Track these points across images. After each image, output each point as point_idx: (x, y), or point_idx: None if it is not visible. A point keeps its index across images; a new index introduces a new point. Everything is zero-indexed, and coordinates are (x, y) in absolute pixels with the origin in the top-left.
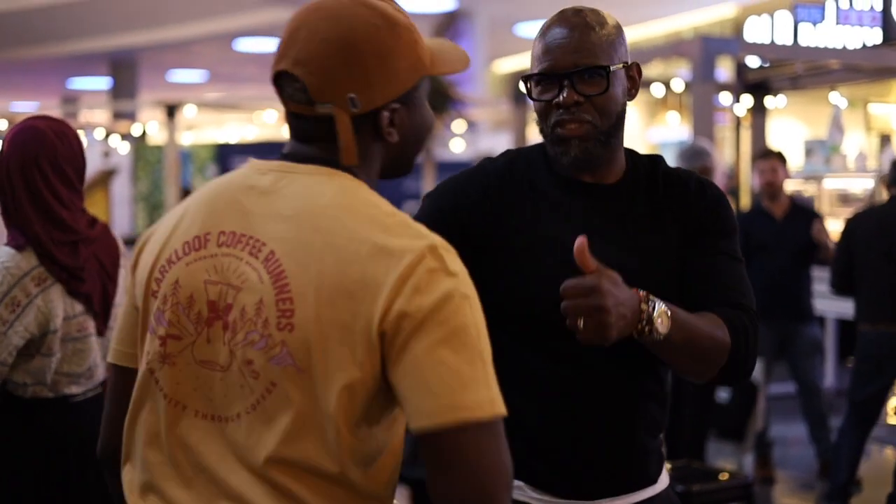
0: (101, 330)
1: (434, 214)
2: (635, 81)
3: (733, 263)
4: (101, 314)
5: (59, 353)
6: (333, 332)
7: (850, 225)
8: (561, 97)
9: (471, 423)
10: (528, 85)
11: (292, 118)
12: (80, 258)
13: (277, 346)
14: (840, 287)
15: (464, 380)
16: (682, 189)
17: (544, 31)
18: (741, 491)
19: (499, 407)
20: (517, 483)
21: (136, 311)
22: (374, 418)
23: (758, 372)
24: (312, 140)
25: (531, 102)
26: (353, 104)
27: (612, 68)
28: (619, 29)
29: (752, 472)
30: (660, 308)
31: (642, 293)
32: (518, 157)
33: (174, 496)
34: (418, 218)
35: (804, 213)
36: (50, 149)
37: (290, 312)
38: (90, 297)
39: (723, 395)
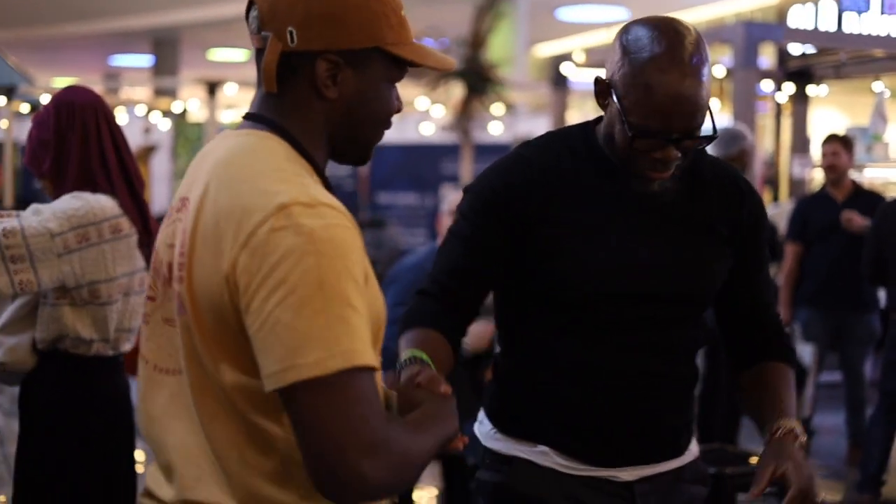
0: None
1: (478, 208)
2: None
3: (768, 273)
4: None
5: (121, 305)
6: (205, 284)
7: (881, 213)
8: (666, 154)
9: (304, 384)
10: (626, 131)
11: (256, 55)
12: (149, 215)
13: (175, 299)
14: (871, 277)
15: (299, 339)
16: (733, 188)
17: (654, 74)
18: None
19: (338, 362)
20: (542, 448)
21: None
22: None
23: (809, 358)
24: (259, 81)
25: (572, 86)
26: (291, 38)
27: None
28: (709, 55)
29: None
30: (797, 429)
31: (796, 432)
32: (561, 146)
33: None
34: (463, 212)
35: (868, 198)
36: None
37: (182, 265)
38: (150, 252)
39: None
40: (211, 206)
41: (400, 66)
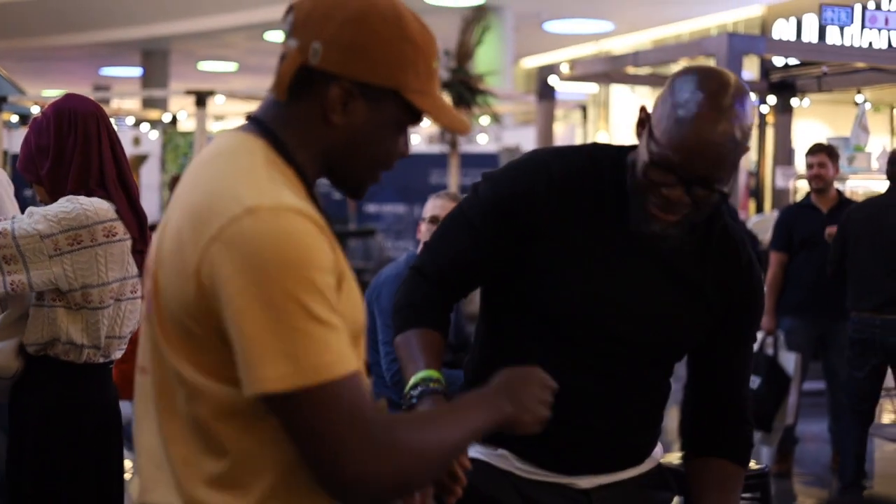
0: None
1: (493, 205)
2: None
3: (749, 354)
4: None
5: (112, 311)
6: (170, 281)
7: (847, 215)
8: (672, 192)
9: (277, 395)
10: (645, 163)
11: (279, 59)
12: (145, 223)
13: (147, 296)
14: (833, 274)
15: (261, 352)
16: (735, 257)
17: (687, 115)
18: (757, 481)
19: (303, 378)
20: (502, 452)
21: None
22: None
23: (793, 366)
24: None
25: (559, 98)
26: (314, 54)
27: (728, 187)
28: (752, 120)
29: (769, 463)
30: None
31: None
32: (589, 165)
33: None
34: (479, 200)
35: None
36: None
37: (151, 263)
38: (143, 259)
39: (753, 383)
40: (183, 202)
41: (415, 114)
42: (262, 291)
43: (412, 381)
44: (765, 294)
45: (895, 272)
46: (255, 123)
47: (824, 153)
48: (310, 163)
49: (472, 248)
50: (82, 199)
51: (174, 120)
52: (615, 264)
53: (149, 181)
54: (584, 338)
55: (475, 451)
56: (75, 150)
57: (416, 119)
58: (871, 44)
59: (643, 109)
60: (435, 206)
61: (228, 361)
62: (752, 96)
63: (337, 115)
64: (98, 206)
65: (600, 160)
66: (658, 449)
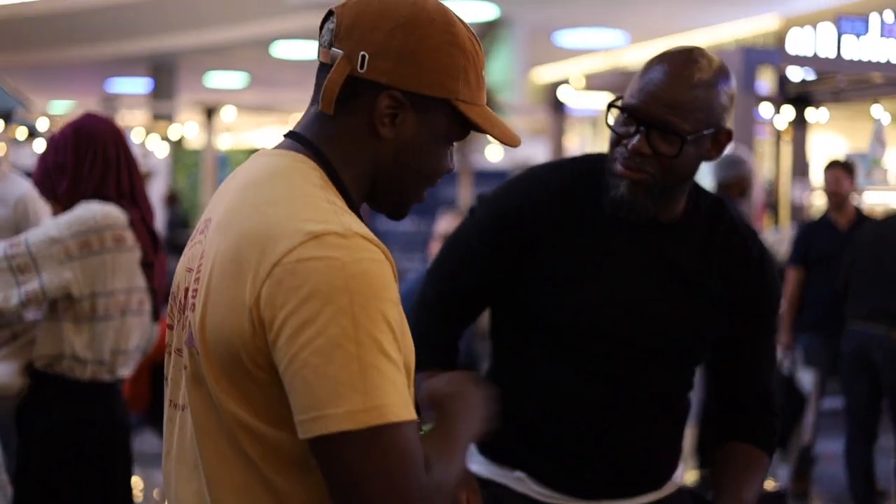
0: (158, 313)
1: (491, 223)
2: (721, 146)
3: (771, 346)
4: (160, 297)
5: (117, 324)
6: (222, 314)
7: (858, 232)
8: (633, 142)
9: (335, 436)
10: (610, 111)
11: (319, 70)
12: (158, 241)
13: (187, 328)
14: (841, 289)
15: (329, 387)
16: (743, 252)
17: (649, 66)
18: (773, 501)
19: (372, 416)
20: (518, 475)
21: None
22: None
23: (810, 384)
24: (315, 99)
25: (569, 112)
26: (362, 63)
27: (690, 136)
28: (722, 85)
29: (786, 483)
30: None
31: None
32: (580, 174)
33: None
34: (475, 222)
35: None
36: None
37: (195, 292)
38: (152, 274)
39: None
40: (234, 229)
41: (464, 126)
42: (332, 324)
43: (425, 429)
44: (782, 312)
45: (888, 287)
46: (300, 141)
47: (840, 169)
48: (354, 183)
49: (473, 272)
50: (94, 205)
51: (182, 135)
52: (617, 267)
53: (157, 196)
54: (594, 344)
55: (492, 474)
56: (93, 169)
57: (465, 131)
58: (888, 59)
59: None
60: (446, 223)
61: (281, 403)
62: (769, 109)
63: (386, 128)
64: (109, 212)
65: (593, 168)
66: (679, 471)
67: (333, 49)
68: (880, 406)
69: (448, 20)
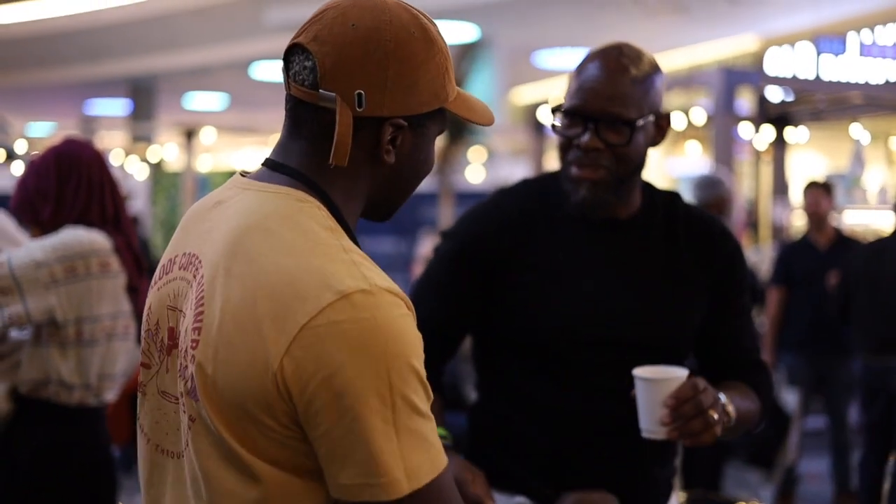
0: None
1: (453, 256)
2: (663, 131)
3: (747, 322)
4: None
5: (103, 349)
6: (237, 373)
7: (849, 258)
8: (583, 139)
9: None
10: (555, 116)
11: (290, 103)
12: (143, 266)
13: (189, 379)
14: (838, 314)
15: (370, 456)
16: (706, 235)
17: (582, 66)
18: None
19: (413, 482)
20: (520, 499)
21: None
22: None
23: (793, 404)
24: (301, 135)
25: (549, 132)
26: (359, 102)
27: (638, 123)
28: (655, 74)
29: (771, 503)
30: (726, 401)
31: (725, 403)
32: (533, 192)
33: None
34: (439, 257)
35: (849, 244)
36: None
37: (195, 343)
38: (137, 299)
39: None
40: (248, 280)
41: (445, 120)
42: (369, 392)
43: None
44: (764, 331)
45: (889, 315)
46: (297, 177)
47: (819, 189)
48: (351, 214)
49: (446, 308)
50: (80, 231)
51: (161, 157)
52: (586, 274)
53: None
54: (579, 354)
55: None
56: (77, 194)
57: (445, 122)
58: (866, 79)
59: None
60: (429, 245)
61: (304, 453)
62: (749, 128)
63: (389, 154)
64: (94, 238)
65: (545, 183)
66: (674, 499)
67: (322, 91)
68: (893, 429)
69: (421, 25)
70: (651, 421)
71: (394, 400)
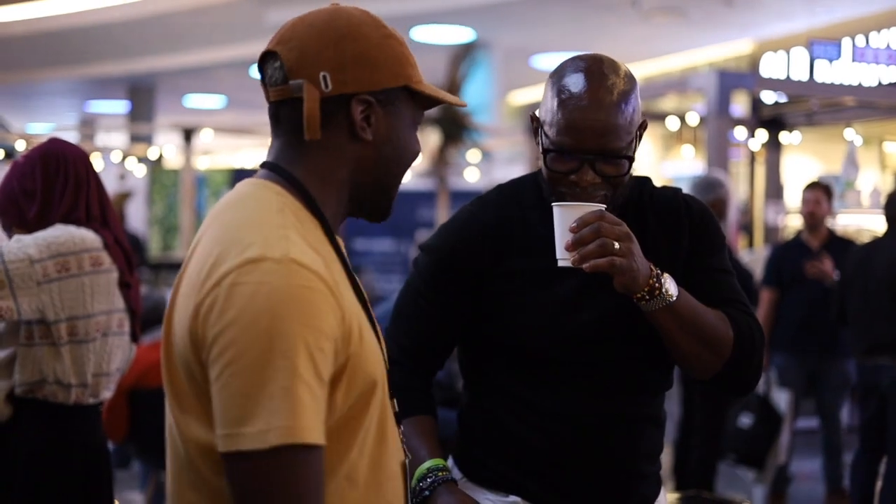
0: (136, 335)
1: (433, 268)
2: (641, 138)
3: (727, 277)
4: (138, 319)
5: (99, 346)
6: (179, 333)
7: (846, 258)
8: (582, 177)
9: (243, 454)
10: (545, 154)
11: (272, 109)
12: (132, 260)
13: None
14: (836, 318)
15: (242, 407)
16: (670, 208)
17: (567, 96)
18: None
19: (276, 436)
20: (514, 499)
21: None
22: None
23: (785, 404)
24: (281, 132)
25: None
26: (325, 83)
27: (631, 150)
28: (634, 87)
29: (762, 503)
30: (667, 277)
31: (662, 280)
32: (509, 198)
33: None
34: (420, 270)
35: (842, 245)
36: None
37: (168, 328)
38: (131, 295)
39: (745, 420)
40: (197, 252)
41: (418, 106)
42: (251, 347)
43: (420, 472)
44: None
45: (881, 316)
46: (273, 169)
47: (821, 191)
48: (332, 201)
49: (429, 321)
50: (71, 228)
51: (160, 156)
52: (572, 271)
53: (135, 218)
54: (568, 356)
55: (486, 499)
56: (64, 193)
57: (421, 113)
58: (860, 82)
59: (533, 117)
60: None
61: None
62: (743, 131)
63: (366, 131)
64: (86, 235)
65: (519, 188)
66: (663, 497)
67: (292, 82)
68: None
69: (373, 19)
70: (560, 248)
71: (276, 360)
